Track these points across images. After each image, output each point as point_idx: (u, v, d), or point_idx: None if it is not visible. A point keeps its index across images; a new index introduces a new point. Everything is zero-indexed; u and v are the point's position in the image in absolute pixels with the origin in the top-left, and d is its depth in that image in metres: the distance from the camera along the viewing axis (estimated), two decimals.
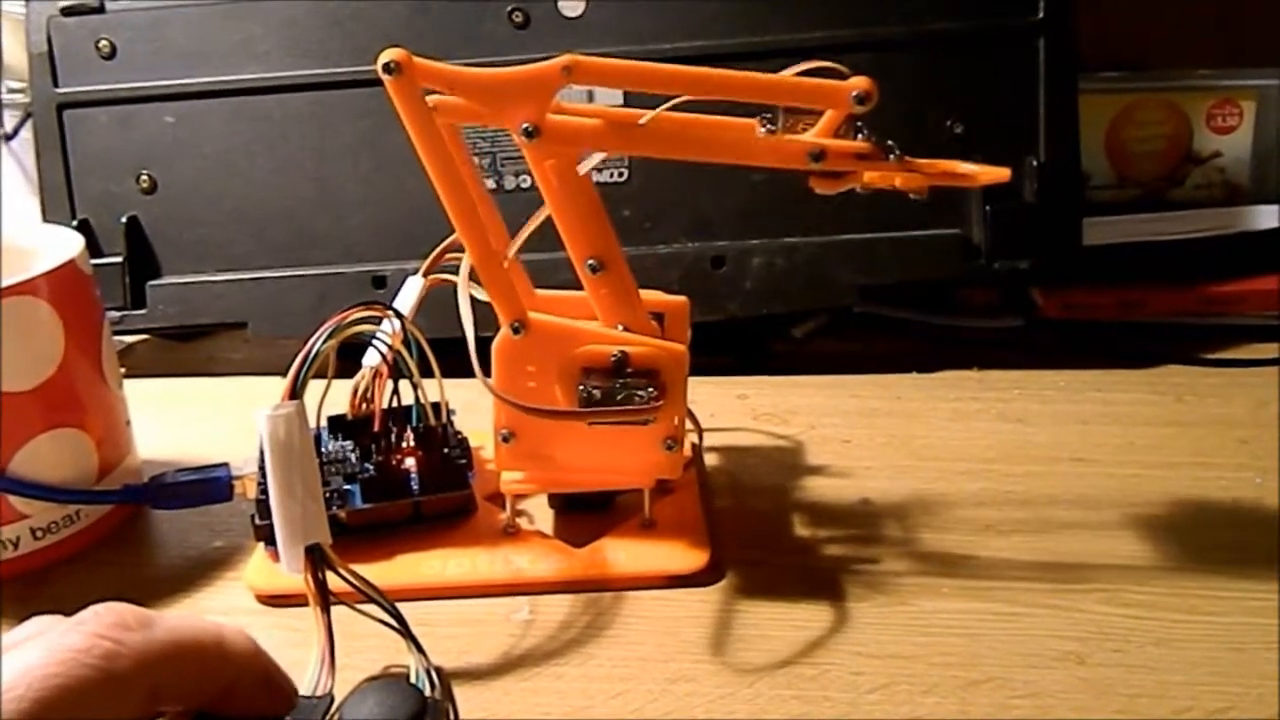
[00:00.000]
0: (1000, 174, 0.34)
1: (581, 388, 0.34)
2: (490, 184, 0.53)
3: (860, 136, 0.34)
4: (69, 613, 0.24)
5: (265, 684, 0.26)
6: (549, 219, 0.35)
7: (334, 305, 0.33)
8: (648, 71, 0.33)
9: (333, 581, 0.30)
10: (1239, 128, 0.59)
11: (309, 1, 0.53)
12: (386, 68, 0.31)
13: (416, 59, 0.31)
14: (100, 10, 0.54)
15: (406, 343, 0.36)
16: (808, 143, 0.33)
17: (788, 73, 0.33)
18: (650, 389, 0.34)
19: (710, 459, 0.44)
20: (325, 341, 0.30)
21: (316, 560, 0.29)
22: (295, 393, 0.29)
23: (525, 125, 0.32)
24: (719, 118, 0.35)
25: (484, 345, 0.35)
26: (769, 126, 0.33)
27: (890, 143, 0.34)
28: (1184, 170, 0.60)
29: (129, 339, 0.60)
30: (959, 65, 0.52)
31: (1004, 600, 0.34)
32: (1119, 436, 0.45)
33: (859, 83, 0.32)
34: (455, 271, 0.35)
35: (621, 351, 0.34)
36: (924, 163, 0.34)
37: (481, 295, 0.35)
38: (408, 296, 0.40)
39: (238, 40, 0.53)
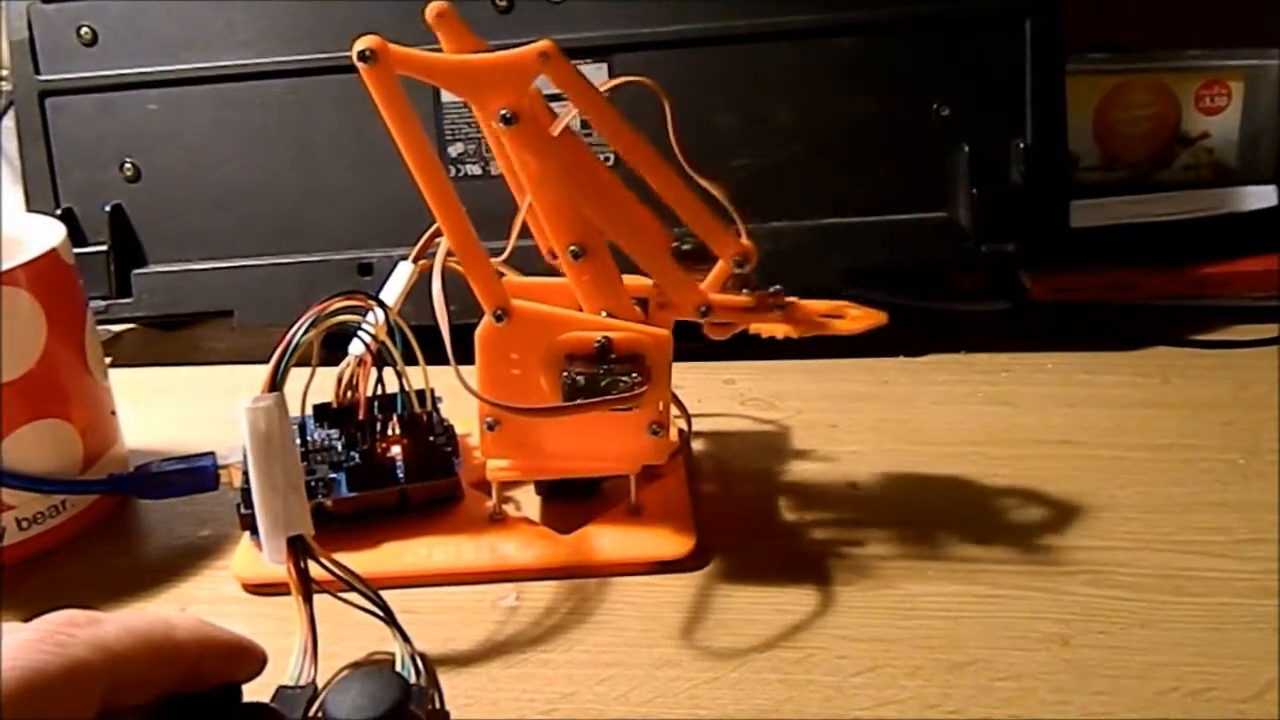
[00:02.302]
0: (876, 318, 0.37)
1: (565, 374, 0.34)
2: (476, 169, 0.53)
3: (746, 291, 0.37)
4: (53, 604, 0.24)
5: (227, 656, 0.26)
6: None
7: (320, 293, 0.33)
8: (601, 108, 0.34)
9: (318, 570, 0.30)
10: (1227, 108, 0.59)
11: None
12: (361, 55, 0.31)
13: (392, 46, 0.31)
14: None
15: (391, 331, 0.36)
16: (698, 297, 0.36)
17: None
18: (634, 374, 0.34)
19: (697, 444, 0.44)
20: (306, 332, 0.30)
21: (299, 551, 0.29)
22: (275, 384, 0.29)
23: (503, 112, 0.32)
24: (647, 213, 0.37)
25: (468, 332, 0.35)
26: (681, 258, 0.36)
27: (775, 290, 0.37)
28: (1172, 151, 0.60)
29: (115, 328, 0.59)
30: (946, 48, 0.52)
31: (989, 583, 0.34)
32: (1106, 419, 0.45)
33: (743, 246, 0.36)
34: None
35: (605, 338, 0.34)
36: (806, 311, 0.37)
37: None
38: (397, 283, 0.40)
39: (220, 26, 0.53)
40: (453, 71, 0.32)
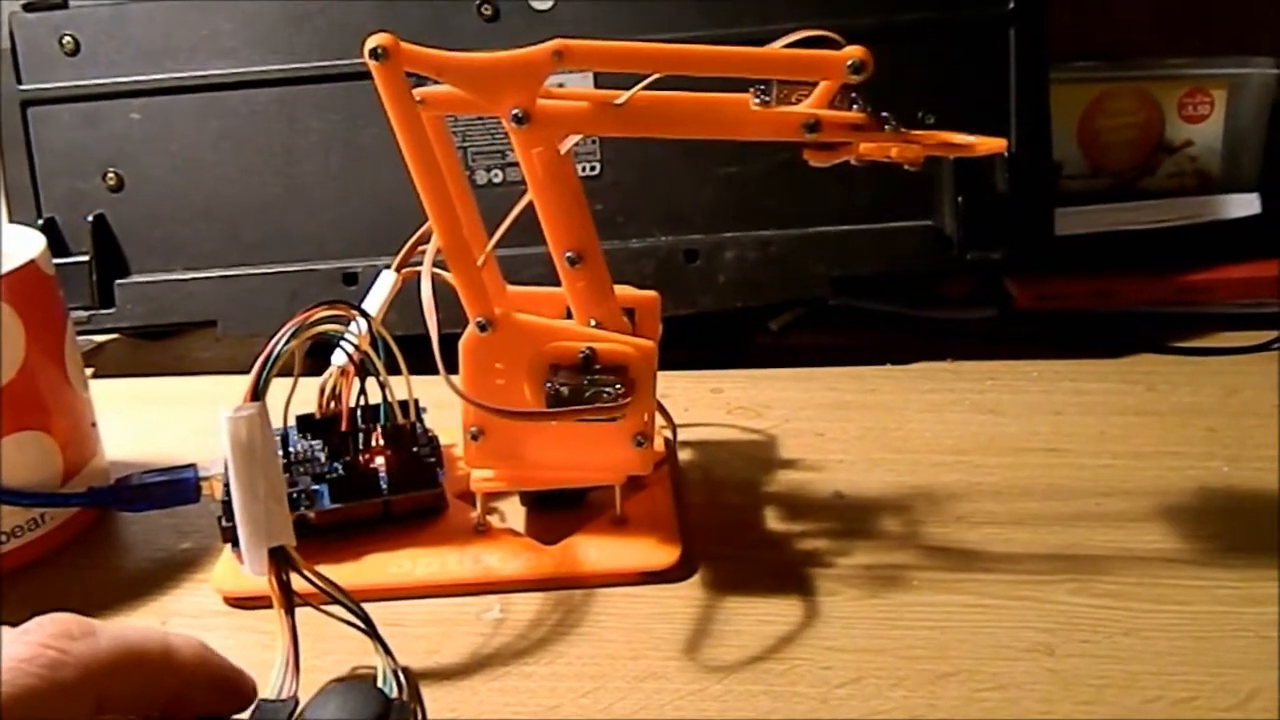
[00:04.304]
0: (997, 144, 0.33)
1: (549, 384, 0.34)
2: None
3: (855, 107, 0.33)
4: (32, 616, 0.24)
5: (218, 687, 0.26)
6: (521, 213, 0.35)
7: (304, 303, 0.33)
8: (638, 52, 0.33)
9: (299, 583, 0.30)
10: (1210, 117, 0.59)
11: None
12: (374, 53, 0.30)
13: (403, 44, 0.31)
14: (63, 6, 0.53)
15: (374, 341, 0.36)
16: (802, 113, 0.33)
17: (781, 43, 0.33)
18: (618, 385, 0.34)
19: (684, 454, 0.44)
20: (288, 342, 0.30)
21: (280, 562, 0.29)
22: (257, 394, 0.29)
23: (515, 111, 0.32)
24: (709, 94, 0.34)
25: (452, 341, 0.34)
26: (762, 98, 0.33)
27: (885, 113, 0.33)
28: (1156, 159, 0.60)
29: (98, 339, 0.59)
30: (930, 56, 0.52)
31: (974, 592, 0.34)
32: (1091, 426, 0.45)
33: (854, 51, 0.32)
34: None
35: (589, 348, 0.34)
36: (919, 134, 0.33)
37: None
38: (379, 292, 0.40)
39: (204, 35, 0.53)
40: (465, 70, 0.32)
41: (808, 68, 0.33)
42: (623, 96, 0.33)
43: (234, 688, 0.26)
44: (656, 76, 0.33)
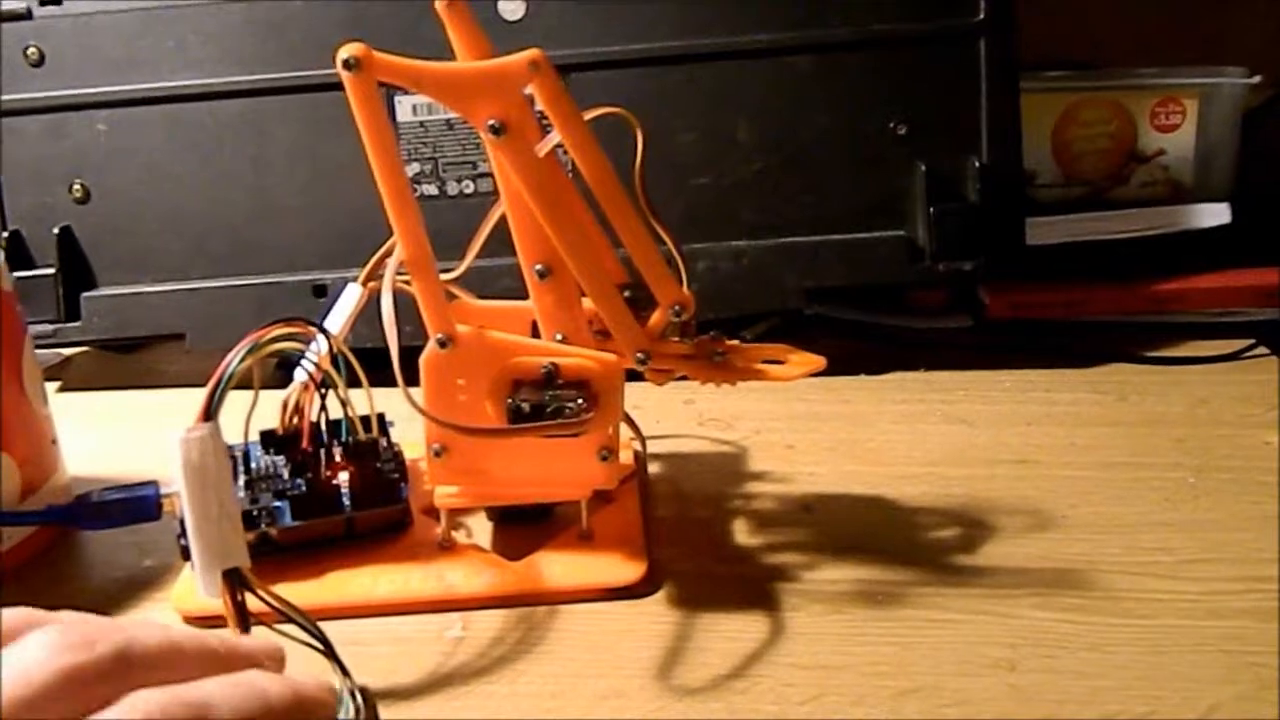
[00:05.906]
0: (815, 364, 0.36)
1: (510, 401, 0.34)
2: (433, 190, 0.53)
3: (684, 339, 0.36)
4: None
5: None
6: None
7: (273, 315, 0.32)
8: (579, 128, 0.33)
9: (257, 603, 0.29)
10: (1182, 126, 0.59)
11: (242, 3, 0.52)
12: (346, 63, 0.30)
13: (377, 54, 0.31)
14: (28, 17, 0.53)
15: (334, 358, 0.36)
16: (640, 341, 0.35)
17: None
18: (580, 400, 0.34)
19: (653, 466, 0.44)
20: (241, 360, 0.30)
21: (234, 583, 0.29)
22: (210, 414, 0.29)
23: (491, 122, 0.31)
24: (609, 249, 0.36)
25: (417, 354, 0.34)
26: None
27: (714, 335, 0.36)
28: (1128, 169, 0.60)
29: (66, 351, 0.58)
30: (901, 67, 0.52)
31: (939, 607, 0.34)
32: (1061, 437, 0.45)
33: (683, 296, 0.35)
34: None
35: (552, 363, 0.34)
36: (744, 359, 0.36)
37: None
38: (344, 306, 0.40)
39: (170, 46, 0.52)
40: (440, 80, 0.32)
41: (655, 281, 0.35)
42: (543, 148, 0.33)
43: (225, 662, 0.27)
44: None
